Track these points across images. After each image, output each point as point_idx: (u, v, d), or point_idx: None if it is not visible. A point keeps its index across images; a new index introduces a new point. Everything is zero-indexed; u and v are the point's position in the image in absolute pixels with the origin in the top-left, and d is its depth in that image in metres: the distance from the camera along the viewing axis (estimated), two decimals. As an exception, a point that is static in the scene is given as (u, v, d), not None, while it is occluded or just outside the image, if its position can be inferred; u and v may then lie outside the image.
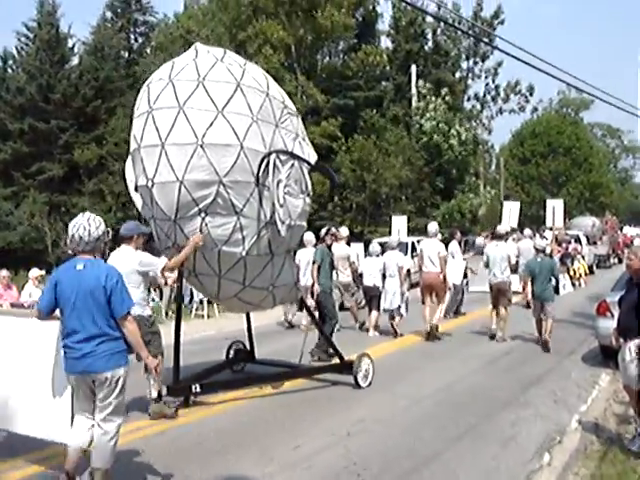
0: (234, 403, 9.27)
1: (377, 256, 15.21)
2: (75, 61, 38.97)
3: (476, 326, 15.71)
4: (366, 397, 9.62)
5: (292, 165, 8.80)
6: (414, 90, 40.78)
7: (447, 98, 40.22)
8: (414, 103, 40.71)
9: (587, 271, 27.38)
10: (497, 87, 53.67)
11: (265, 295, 9.35)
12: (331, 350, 10.79)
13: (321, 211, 34.98)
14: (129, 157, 8.98)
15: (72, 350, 5.66)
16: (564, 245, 26.42)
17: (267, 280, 9.11)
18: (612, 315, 11.10)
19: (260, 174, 8.28)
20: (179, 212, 8.22)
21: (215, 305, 18.70)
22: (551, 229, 28.07)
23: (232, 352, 11.30)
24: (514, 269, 14.13)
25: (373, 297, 14.93)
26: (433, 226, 14.92)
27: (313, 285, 12.35)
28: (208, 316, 18.29)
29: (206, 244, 8.33)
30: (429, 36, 47.50)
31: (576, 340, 14.15)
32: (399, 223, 26.46)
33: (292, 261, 9.69)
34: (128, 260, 8.03)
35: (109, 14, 43.45)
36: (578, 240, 30.18)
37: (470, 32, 40.50)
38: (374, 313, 15.00)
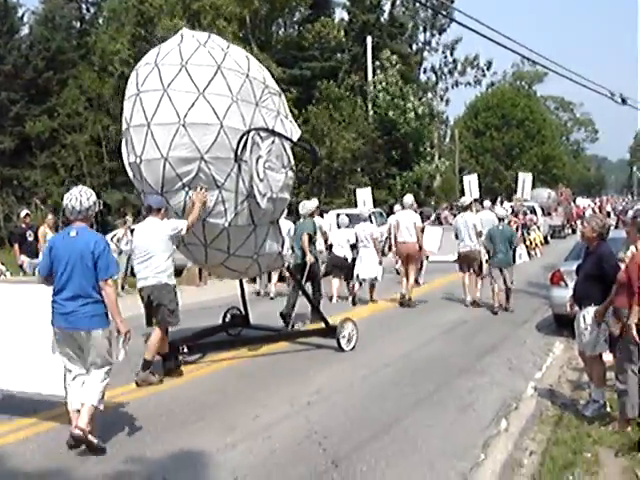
0: (193, 374, 9.26)
1: (346, 227, 15.67)
2: (25, 31, 38.08)
3: (435, 295, 15.93)
4: (325, 366, 9.69)
5: (273, 141, 9.34)
6: (370, 61, 40.66)
7: (398, 66, 40.09)
8: (370, 74, 40.63)
9: (542, 241, 28.31)
10: (455, 60, 53.79)
11: (250, 263, 9.94)
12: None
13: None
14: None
15: (59, 306, 6.34)
16: (520, 216, 26.98)
17: (251, 249, 9.68)
18: (566, 284, 11.35)
19: (239, 150, 8.80)
20: (165, 186, 8.89)
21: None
22: (510, 200, 28.66)
23: (228, 317, 11.92)
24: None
25: (342, 267, 15.40)
26: (409, 198, 15.48)
27: (304, 255, 12.70)
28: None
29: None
30: (385, 7, 47.36)
31: (530, 309, 14.42)
32: (364, 195, 26.73)
33: (277, 231, 10.26)
34: (159, 229, 8.66)
35: (60, -17, 42.42)
36: (534, 211, 30.99)
37: (428, 4, 40.47)
38: (337, 281, 15.60)
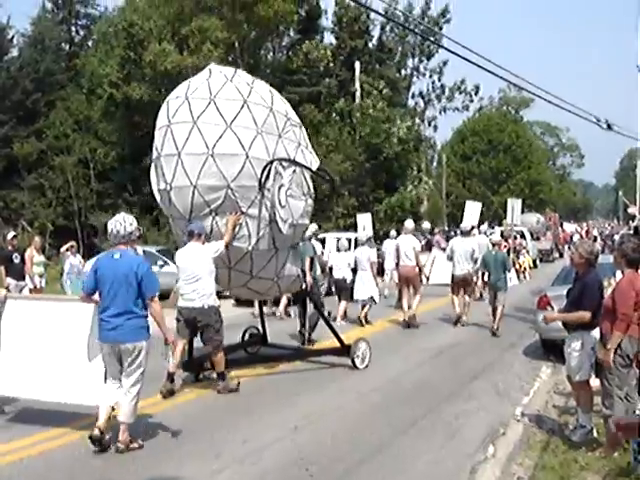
0: (180, 398, 9.21)
1: (345, 251, 16.24)
2: (14, 53, 38.25)
3: (424, 319, 15.91)
4: (313, 391, 9.67)
5: (294, 171, 9.97)
6: (358, 86, 40.81)
7: (384, 91, 40.16)
8: (358, 99, 40.75)
9: (531, 265, 29.05)
10: (442, 86, 54.00)
11: (271, 285, 10.59)
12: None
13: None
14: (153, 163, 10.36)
15: (106, 323, 7.04)
16: (510, 241, 27.44)
17: (272, 272, 10.31)
18: (552, 309, 11.38)
19: (263, 179, 9.41)
20: (193, 212, 9.54)
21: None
22: (500, 225, 29.48)
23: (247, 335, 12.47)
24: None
25: (342, 289, 15.84)
26: (410, 223, 16.17)
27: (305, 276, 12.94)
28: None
29: (217, 240, 9.46)
30: (374, 33, 47.60)
31: (517, 334, 14.45)
32: (364, 220, 27.19)
33: (297, 255, 10.96)
34: (203, 253, 9.27)
35: (50, 5, 42.49)
36: (523, 236, 31.60)
37: (417, 30, 40.71)
38: (343, 303, 15.94)
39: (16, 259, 15.34)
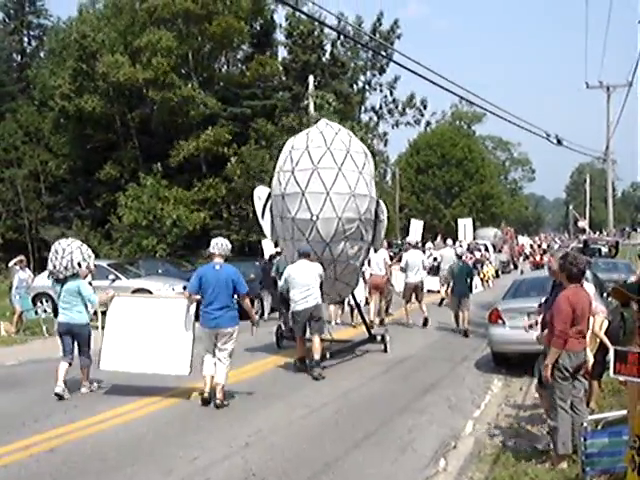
0: (129, 415, 9.07)
1: None
2: (-36, 63, 37.63)
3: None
4: (263, 407, 9.60)
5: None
6: (312, 101, 40.82)
7: (334, 104, 40.18)
8: (310, 113, 40.71)
9: (494, 275, 31.68)
10: (394, 100, 54.25)
11: (348, 289, 13.94)
12: None
13: (217, 220, 34.73)
14: (255, 192, 13.87)
15: (209, 314, 9.65)
16: (475, 253, 30.13)
17: (349, 279, 13.42)
18: (504, 322, 11.54)
19: (376, 213, 13.00)
20: (333, 238, 12.28)
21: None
22: (458, 240, 32.54)
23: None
24: (430, 272, 18.75)
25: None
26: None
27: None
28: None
29: (342, 260, 12.61)
30: (327, 47, 47.65)
31: (469, 347, 14.55)
32: None
33: None
34: (313, 269, 11.93)
35: (1, 15, 42.05)
36: (487, 249, 34.83)
37: (369, 45, 40.91)
38: (331, 307, 17.46)
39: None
